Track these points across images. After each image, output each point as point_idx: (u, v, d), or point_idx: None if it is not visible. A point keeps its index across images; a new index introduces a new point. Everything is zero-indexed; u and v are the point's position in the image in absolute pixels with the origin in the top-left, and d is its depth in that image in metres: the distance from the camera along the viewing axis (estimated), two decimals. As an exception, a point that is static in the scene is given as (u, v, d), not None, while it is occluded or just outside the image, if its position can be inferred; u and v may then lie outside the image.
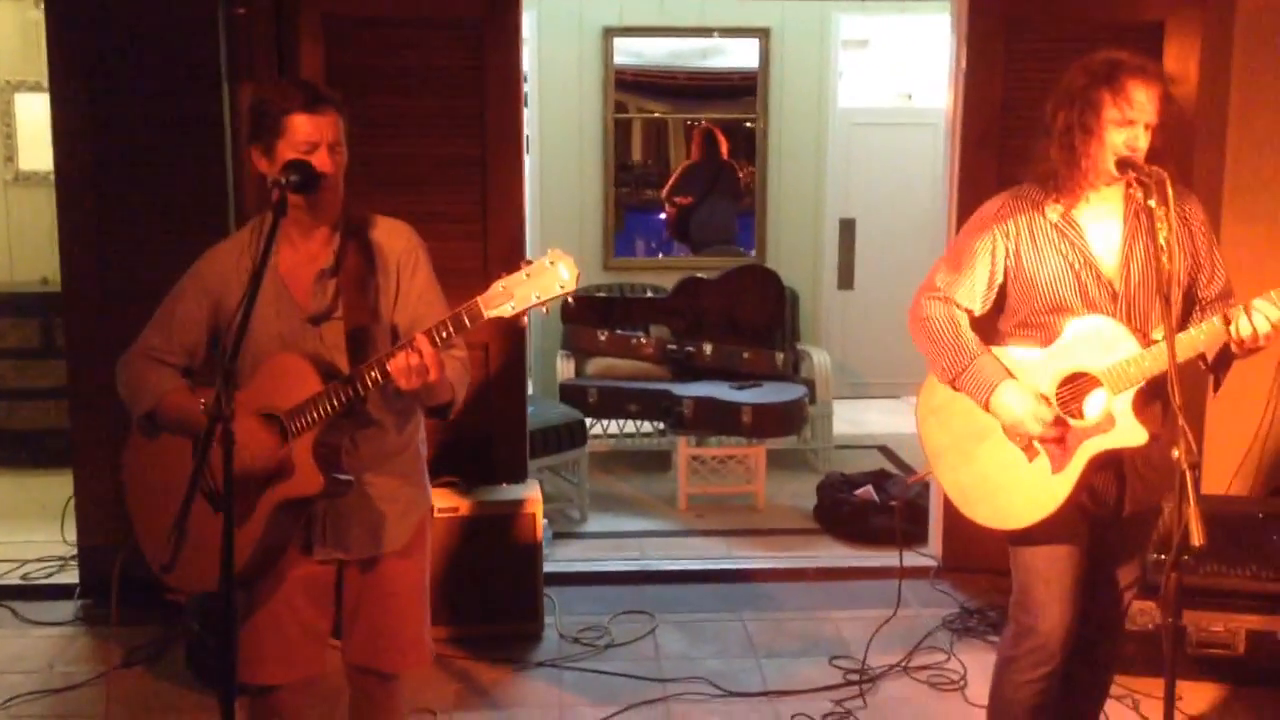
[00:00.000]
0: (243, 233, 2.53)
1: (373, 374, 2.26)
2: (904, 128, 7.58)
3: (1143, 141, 2.42)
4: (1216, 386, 2.55)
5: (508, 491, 4.13)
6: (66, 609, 4.19)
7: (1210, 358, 2.45)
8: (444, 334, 2.22)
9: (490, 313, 2.17)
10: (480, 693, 3.70)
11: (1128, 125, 2.41)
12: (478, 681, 3.76)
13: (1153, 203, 2.32)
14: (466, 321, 2.21)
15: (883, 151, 7.49)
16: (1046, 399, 2.50)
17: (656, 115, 7.10)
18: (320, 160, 2.33)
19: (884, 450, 6.51)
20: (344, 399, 2.28)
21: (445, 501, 3.91)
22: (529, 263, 2.15)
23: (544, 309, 2.16)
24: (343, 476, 2.37)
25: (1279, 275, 3.07)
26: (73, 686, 3.64)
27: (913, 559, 4.54)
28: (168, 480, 2.45)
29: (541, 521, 4.06)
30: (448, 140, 4.19)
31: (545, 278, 2.13)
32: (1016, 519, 2.55)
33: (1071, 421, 2.49)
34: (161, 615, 3.93)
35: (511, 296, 2.15)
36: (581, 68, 6.81)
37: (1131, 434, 2.46)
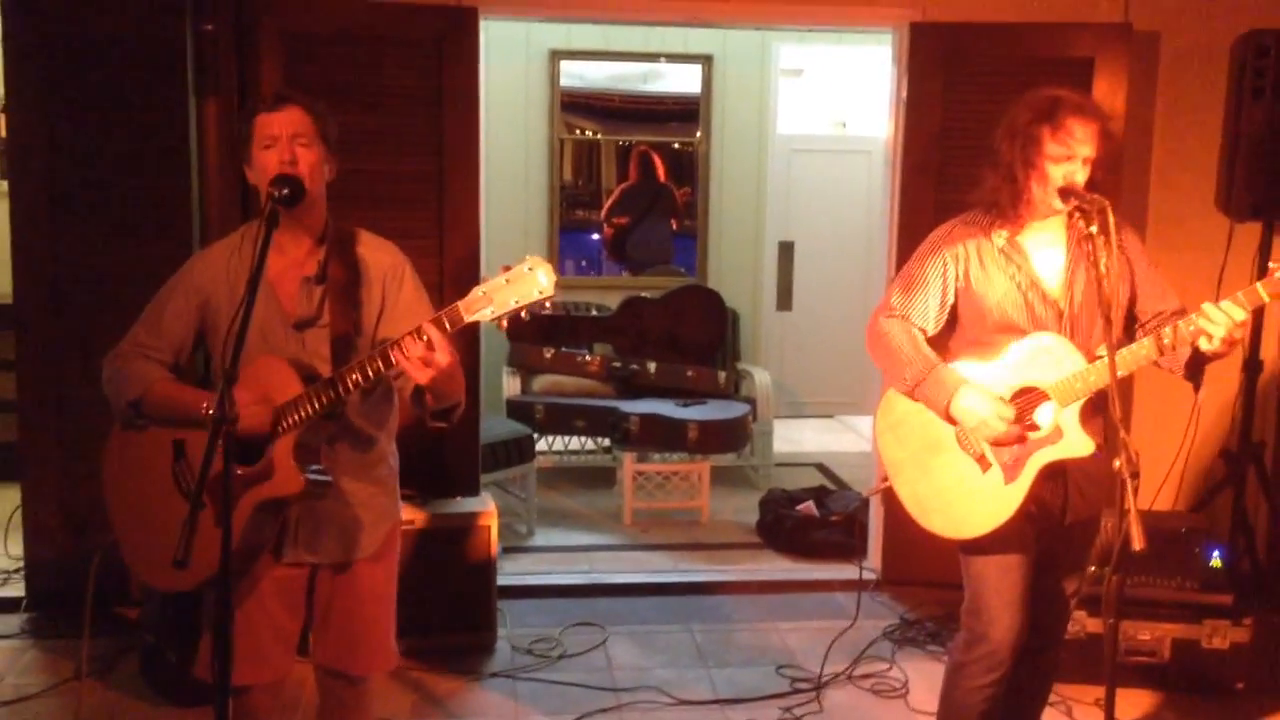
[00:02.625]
0: (233, 236, 2.58)
1: (354, 376, 2.31)
2: (840, 154, 7.78)
3: (1080, 176, 2.55)
4: (1196, 388, 2.67)
5: (462, 504, 4.18)
6: (12, 622, 4.13)
7: (1182, 367, 2.57)
8: (424, 338, 2.27)
9: (470, 317, 2.21)
10: (436, 703, 3.75)
11: (1066, 160, 2.55)
12: (433, 692, 3.81)
13: (1094, 229, 2.47)
14: (447, 325, 2.24)
15: (820, 177, 7.68)
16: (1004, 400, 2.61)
17: (599, 137, 7.23)
18: (282, 151, 2.38)
19: (821, 468, 6.66)
20: (325, 401, 2.33)
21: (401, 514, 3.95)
22: (508, 268, 2.19)
23: (523, 314, 2.21)
24: (322, 477, 2.42)
25: (1200, 299, 3.24)
26: (25, 698, 3.62)
27: (853, 572, 4.68)
28: (147, 483, 2.49)
29: (496, 534, 4.12)
30: (406, 157, 4.26)
31: (524, 283, 2.17)
32: (971, 528, 2.67)
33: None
34: (110, 627, 3.93)
35: (491, 301, 2.19)
36: (528, 89, 6.90)
37: (1079, 445, 2.60)
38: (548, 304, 2.19)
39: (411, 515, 3.99)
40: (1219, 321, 2.43)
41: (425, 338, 2.22)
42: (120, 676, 3.77)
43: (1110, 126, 2.63)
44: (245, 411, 2.22)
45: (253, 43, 4.02)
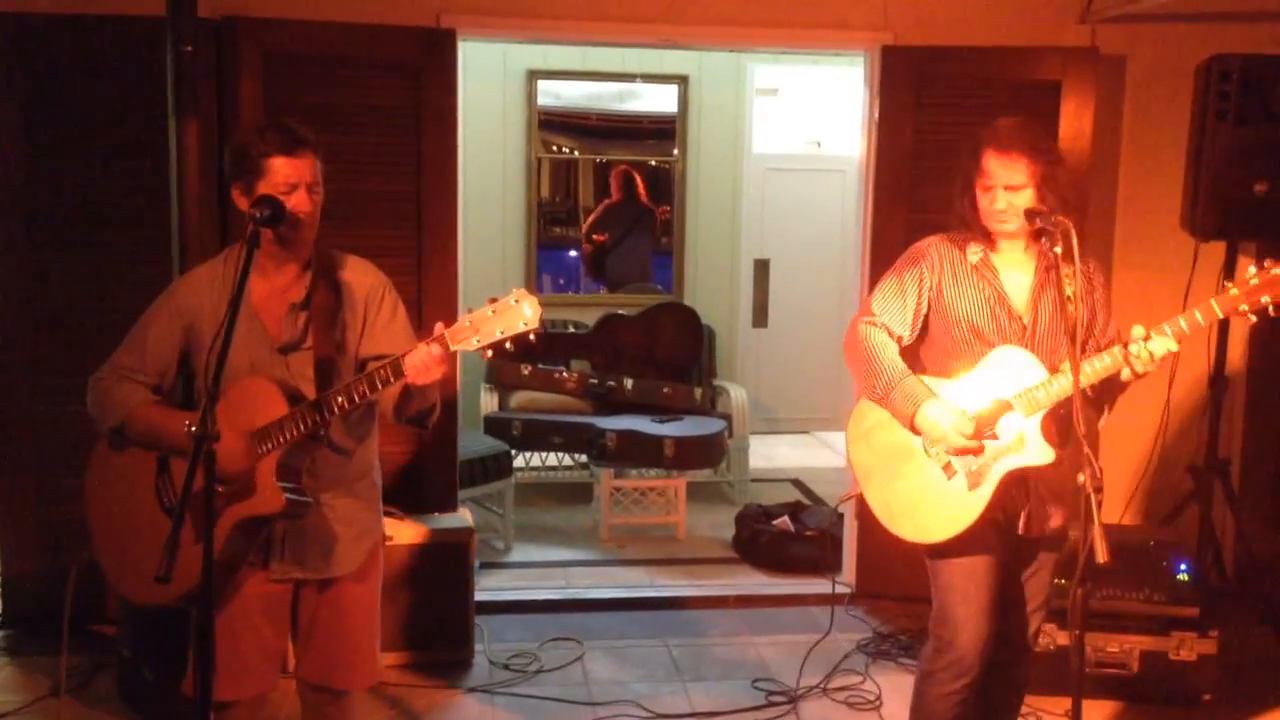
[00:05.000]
0: (216, 261, 2.62)
1: (339, 400, 2.35)
2: (814, 173, 7.85)
3: (1001, 203, 2.68)
4: (1100, 412, 2.79)
5: (439, 520, 4.21)
6: (-12, 640, 4.15)
7: (1094, 389, 2.69)
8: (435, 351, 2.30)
9: (455, 347, 2.28)
10: (413, 718, 3.77)
11: (987, 190, 2.71)
12: (411, 707, 3.83)
13: (1058, 250, 2.56)
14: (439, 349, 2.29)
15: (795, 195, 7.76)
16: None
17: (576, 155, 7.28)
18: (299, 200, 2.43)
19: (796, 483, 6.72)
20: (309, 423, 2.38)
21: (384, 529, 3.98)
22: (494, 300, 2.26)
23: (508, 345, 2.26)
24: (302, 498, 2.46)
25: (1164, 316, 3.30)
26: (3, 715, 3.61)
27: (827, 586, 4.73)
28: (129, 496, 2.52)
29: (474, 550, 4.15)
30: (384, 177, 4.30)
31: (510, 315, 2.23)
32: (936, 533, 2.75)
33: (986, 442, 2.69)
34: (87, 644, 3.93)
35: (477, 331, 2.25)
36: (506, 108, 6.95)
37: (1040, 454, 2.68)
38: (532, 336, 2.24)
39: (390, 531, 4.01)
40: (1142, 358, 2.59)
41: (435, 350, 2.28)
42: (98, 693, 3.77)
43: (1051, 154, 2.73)
44: (221, 451, 2.25)
45: (233, 64, 4.06)
